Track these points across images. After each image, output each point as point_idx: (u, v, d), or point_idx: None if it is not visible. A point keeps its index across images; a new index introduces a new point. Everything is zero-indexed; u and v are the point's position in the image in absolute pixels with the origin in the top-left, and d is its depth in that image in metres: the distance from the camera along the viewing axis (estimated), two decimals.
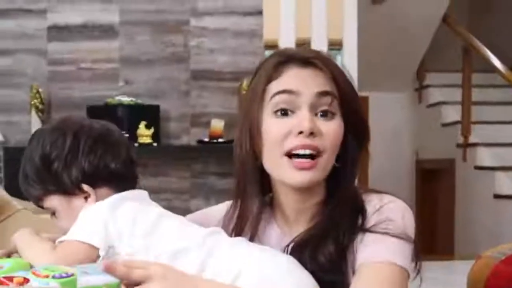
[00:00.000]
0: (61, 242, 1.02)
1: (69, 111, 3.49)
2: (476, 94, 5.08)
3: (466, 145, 5.02)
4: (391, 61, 5.58)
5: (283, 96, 1.05)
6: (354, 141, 1.09)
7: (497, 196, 4.56)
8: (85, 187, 1.07)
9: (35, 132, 1.14)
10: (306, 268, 1.02)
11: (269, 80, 1.08)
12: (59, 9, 3.70)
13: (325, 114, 1.05)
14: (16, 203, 1.50)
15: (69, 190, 1.07)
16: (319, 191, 1.09)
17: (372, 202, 1.07)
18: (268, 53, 3.97)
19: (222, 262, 0.99)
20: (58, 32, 3.69)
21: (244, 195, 1.13)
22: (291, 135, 1.03)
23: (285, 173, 1.05)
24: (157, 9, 3.71)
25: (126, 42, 3.71)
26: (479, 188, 4.80)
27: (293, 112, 1.05)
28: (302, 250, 1.05)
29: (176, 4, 3.72)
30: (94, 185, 1.07)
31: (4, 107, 3.67)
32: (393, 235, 1.02)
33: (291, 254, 1.06)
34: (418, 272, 1.08)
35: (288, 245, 1.07)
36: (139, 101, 3.57)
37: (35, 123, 3.50)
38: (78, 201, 1.08)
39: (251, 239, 1.10)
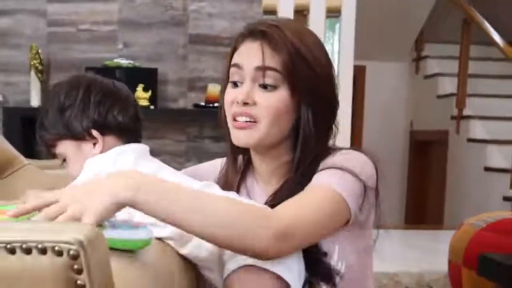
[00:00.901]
0: None
1: (68, 72, 3.50)
2: (473, 67, 5.10)
3: (460, 118, 5.06)
4: (390, 31, 5.58)
5: (234, 69, 1.18)
6: (309, 111, 1.16)
7: (488, 169, 4.61)
8: (95, 132, 1.18)
9: (53, 85, 1.26)
10: None
11: (233, 52, 1.21)
12: None
13: (264, 87, 1.15)
14: (23, 158, 1.57)
15: (80, 135, 1.18)
16: (283, 153, 1.22)
17: (334, 153, 1.18)
18: (266, 17, 3.98)
19: None
20: None
21: (233, 155, 1.29)
22: (234, 103, 1.17)
23: (232, 134, 1.18)
24: None
25: (125, 4, 3.71)
26: (471, 160, 4.85)
27: (241, 83, 1.17)
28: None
29: None
30: (102, 133, 1.17)
31: (3, 67, 3.69)
32: (338, 168, 1.12)
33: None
34: (379, 220, 1.20)
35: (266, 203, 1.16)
36: (137, 64, 3.59)
37: (34, 84, 3.53)
38: (87, 146, 1.19)
39: (241, 194, 1.24)
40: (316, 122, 1.17)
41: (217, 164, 1.37)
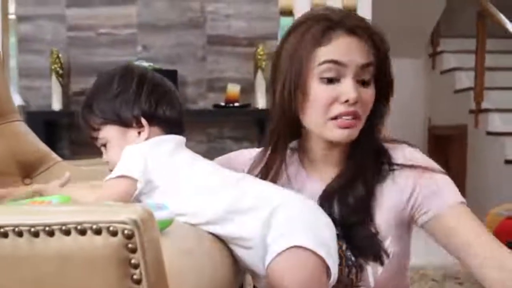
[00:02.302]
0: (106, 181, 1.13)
1: (88, 76, 3.56)
2: (490, 60, 5.07)
3: (478, 111, 5.04)
4: (405, 26, 5.57)
5: (331, 65, 1.13)
6: (382, 102, 1.21)
7: (508, 162, 4.59)
8: (143, 121, 1.19)
9: (103, 72, 1.27)
10: (336, 212, 1.17)
11: (318, 45, 1.14)
12: None
13: (365, 83, 1.15)
14: (55, 155, 1.59)
15: (128, 122, 1.20)
16: (347, 144, 1.21)
17: (395, 149, 1.23)
18: (283, 19, 4.00)
19: (259, 197, 1.08)
20: None
21: (275, 145, 1.24)
22: (337, 102, 1.13)
23: (329, 132, 1.16)
24: None
25: (144, 8, 3.76)
26: (491, 153, 4.83)
27: (338, 80, 1.13)
28: (333, 196, 1.18)
29: None
30: (149, 123, 1.19)
31: (25, 72, 3.74)
32: (438, 171, 1.19)
33: (322, 200, 1.19)
34: None
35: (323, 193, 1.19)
36: (157, 66, 3.62)
37: (56, 88, 3.58)
38: (132, 133, 1.21)
39: (282, 184, 1.22)
40: (383, 112, 1.23)
41: (245, 154, 1.36)
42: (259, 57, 3.62)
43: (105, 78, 1.24)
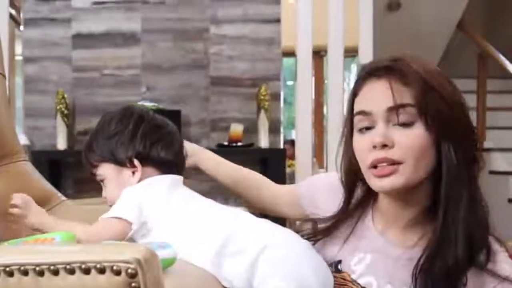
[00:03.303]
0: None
1: (92, 116, 3.60)
2: (491, 100, 5.12)
3: (481, 150, 5.06)
4: None
5: (361, 116, 1.11)
6: (449, 145, 1.06)
7: (511, 201, 4.59)
8: (136, 162, 1.23)
9: (106, 112, 1.32)
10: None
11: (354, 97, 1.15)
12: (83, 18, 3.81)
13: (401, 124, 1.06)
14: (60, 194, 1.61)
15: (122, 161, 1.24)
16: (419, 198, 1.12)
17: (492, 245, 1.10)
18: (286, 60, 4.05)
19: (250, 235, 1.10)
20: (82, 40, 3.80)
21: (347, 202, 1.23)
22: (369, 150, 1.08)
23: (372, 183, 1.11)
24: (178, 17, 3.82)
25: (148, 49, 3.82)
26: (494, 192, 4.82)
27: (372, 127, 1.09)
28: (431, 267, 1.07)
29: (197, 12, 3.82)
30: (143, 164, 1.22)
31: (30, 112, 3.79)
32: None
33: (421, 270, 1.07)
34: None
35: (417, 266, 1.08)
36: (161, 106, 3.65)
37: (61, 128, 3.61)
38: (126, 173, 1.24)
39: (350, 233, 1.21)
40: (458, 157, 1.06)
41: (334, 181, 1.28)
42: (261, 97, 3.66)
43: (106, 118, 1.29)
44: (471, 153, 1.09)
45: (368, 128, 1.10)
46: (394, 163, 1.05)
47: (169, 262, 0.95)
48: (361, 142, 1.11)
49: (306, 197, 1.35)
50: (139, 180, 1.23)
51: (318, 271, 1.11)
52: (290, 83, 6.90)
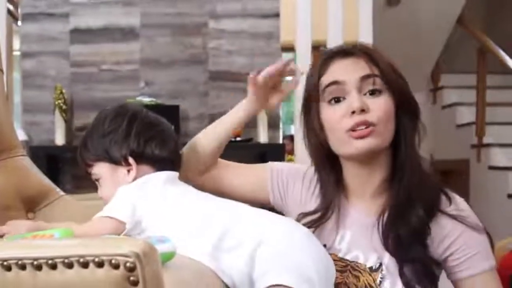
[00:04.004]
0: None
1: (90, 111, 3.58)
2: (491, 95, 5.11)
3: (480, 146, 5.06)
4: (406, 62, 5.58)
5: (332, 87, 1.21)
6: (406, 117, 1.23)
7: (511, 196, 4.59)
8: (131, 160, 1.22)
9: (101, 110, 1.31)
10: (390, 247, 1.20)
11: (319, 76, 1.24)
12: (81, 13, 3.80)
13: (372, 93, 1.20)
14: (58, 189, 1.60)
15: (117, 160, 1.23)
16: (380, 166, 1.25)
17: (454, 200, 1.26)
18: (285, 54, 4.04)
19: (248, 229, 1.09)
20: (80, 34, 3.79)
21: (321, 179, 1.31)
22: (346, 116, 1.19)
23: (349, 146, 1.20)
24: (177, 12, 3.80)
25: (146, 44, 3.80)
26: (493, 188, 4.83)
27: (344, 98, 1.21)
28: (387, 231, 1.22)
29: (195, 7, 3.81)
30: (138, 162, 1.21)
31: (28, 108, 3.77)
32: (483, 232, 1.23)
33: (389, 233, 1.22)
34: None
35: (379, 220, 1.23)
36: (159, 101, 3.65)
37: (59, 123, 3.60)
38: (121, 171, 1.23)
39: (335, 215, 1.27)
40: (413, 128, 1.25)
41: (300, 172, 1.38)
42: None
43: (100, 116, 1.28)
44: (417, 126, 1.26)
45: (337, 100, 1.21)
46: (370, 125, 1.17)
47: (168, 256, 0.94)
48: (334, 112, 1.21)
49: (274, 181, 1.37)
50: (134, 178, 1.22)
51: (318, 259, 1.11)
52: (289, 78, 6.87)
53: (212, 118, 3.78)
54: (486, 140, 5.03)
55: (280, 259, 1.06)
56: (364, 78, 1.20)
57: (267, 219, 1.16)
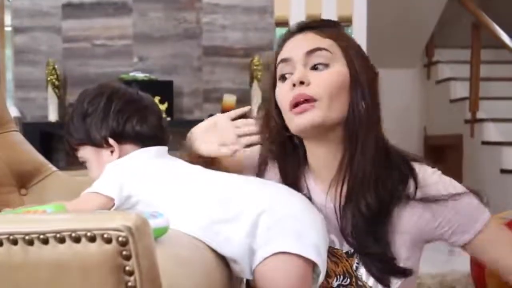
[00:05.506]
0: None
1: (84, 87, 3.55)
2: (485, 70, 5.10)
3: (473, 121, 5.06)
4: (400, 37, 5.60)
5: (282, 65, 1.19)
6: (356, 92, 1.16)
7: (504, 171, 4.59)
8: (111, 141, 1.21)
9: (80, 92, 1.29)
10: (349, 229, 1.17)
11: (277, 56, 1.22)
12: None
13: (316, 67, 1.16)
14: (51, 165, 1.59)
15: (98, 143, 1.22)
16: (337, 144, 1.18)
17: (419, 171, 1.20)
18: (278, 29, 4.02)
19: (249, 198, 1.09)
20: (73, 9, 3.76)
21: (281, 160, 1.26)
22: (288, 91, 1.16)
23: (294, 123, 1.16)
24: None
25: (139, 19, 3.77)
26: (486, 163, 4.84)
27: (291, 74, 1.17)
28: (345, 212, 1.18)
29: None
30: (120, 141, 1.20)
31: (21, 83, 3.75)
32: (463, 193, 1.19)
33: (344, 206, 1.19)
34: None
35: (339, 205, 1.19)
36: (153, 77, 3.63)
37: (52, 99, 3.58)
38: (105, 153, 1.23)
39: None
40: (366, 102, 1.16)
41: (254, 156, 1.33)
42: (254, 67, 3.64)
43: (80, 99, 1.26)
44: (376, 100, 1.20)
45: (286, 77, 1.18)
46: (310, 100, 1.13)
47: (161, 231, 0.94)
48: (282, 88, 1.18)
49: (251, 168, 1.33)
50: (119, 158, 1.22)
51: (320, 226, 1.11)
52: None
53: (206, 94, 3.80)
54: (479, 115, 5.03)
55: (284, 226, 1.06)
56: (310, 52, 1.16)
57: (268, 187, 1.16)
